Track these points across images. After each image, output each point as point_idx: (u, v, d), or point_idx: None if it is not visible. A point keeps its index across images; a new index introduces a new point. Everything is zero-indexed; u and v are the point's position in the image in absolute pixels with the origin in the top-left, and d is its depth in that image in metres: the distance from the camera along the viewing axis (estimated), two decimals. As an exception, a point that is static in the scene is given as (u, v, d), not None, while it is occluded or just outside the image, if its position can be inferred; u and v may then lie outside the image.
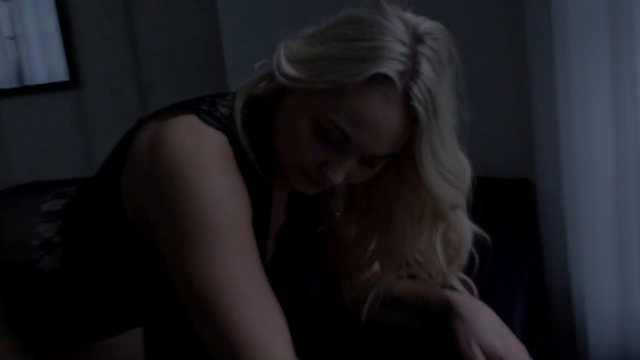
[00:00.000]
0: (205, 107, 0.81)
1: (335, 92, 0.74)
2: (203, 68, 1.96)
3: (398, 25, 0.75)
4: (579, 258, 1.43)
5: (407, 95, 0.74)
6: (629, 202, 1.37)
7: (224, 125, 0.79)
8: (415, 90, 0.74)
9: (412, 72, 0.74)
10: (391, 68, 0.73)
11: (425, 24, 0.77)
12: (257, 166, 0.81)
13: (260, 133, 0.82)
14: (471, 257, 0.91)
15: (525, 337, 0.97)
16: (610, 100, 1.33)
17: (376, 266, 0.98)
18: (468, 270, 0.93)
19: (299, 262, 1.02)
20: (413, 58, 0.74)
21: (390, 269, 0.93)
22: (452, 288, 0.94)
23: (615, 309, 1.44)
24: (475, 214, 0.89)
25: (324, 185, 0.81)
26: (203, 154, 0.75)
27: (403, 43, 0.74)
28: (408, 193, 0.85)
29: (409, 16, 0.78)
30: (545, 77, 1.40)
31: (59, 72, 2.34)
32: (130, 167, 0.82)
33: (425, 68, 0.74)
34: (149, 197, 0.78)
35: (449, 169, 0.79)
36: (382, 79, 0.73)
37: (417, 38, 0.75)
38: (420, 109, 0.74)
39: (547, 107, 1.42)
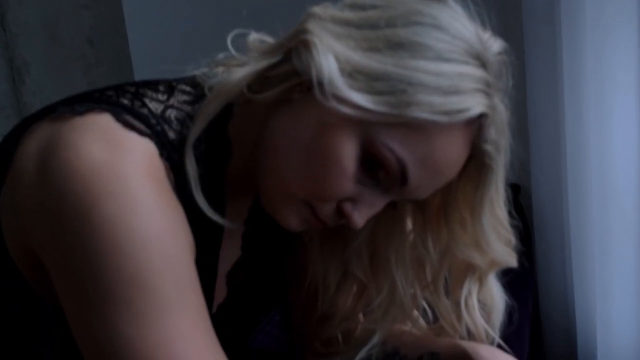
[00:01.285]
0: (126, 102, 0.67)
1: (416, 126, 0.64)
2: (98, 45, 1.71)
3: (475, 38, 0.67)
4: (586, 284, 1.31)
5: (480, 136, 0.68)
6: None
7: (153, 129, 0.66)
8: (492, 131, 0.67)
9: (491, 107, 0.67)
10: (487, 104, 0.66)
11: (495, 42, 0.70)
12: (203, 201, 0.69)
13: (215, 144, 0.71)
14: None
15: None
16: (636, 92, 1.17)
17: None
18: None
19: (256, 306, 0.90)
20: (491, 87, 0.67)
21: (383, 323, 0.84)
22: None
23: (633, 348, 1.31)
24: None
25: (329, 226, 0.71)
26: (122, 173, 0.61)
27: (484, 66, 0.66)
28: (409, 238, 0.78)
29: (475, 27, 0.69)
30: (545, 64, 1.27)
31: None
32: (11, 188, 0.66)
33: (498, 101, 0.68)
34: (40, 234, 0.63)
35: (504, 224, 0.74)
36: (474, 119, 0.66)
37: (491, 59, 0.67)
38: (493, 154, 0.68)
39: (547, 98, 1.31)
